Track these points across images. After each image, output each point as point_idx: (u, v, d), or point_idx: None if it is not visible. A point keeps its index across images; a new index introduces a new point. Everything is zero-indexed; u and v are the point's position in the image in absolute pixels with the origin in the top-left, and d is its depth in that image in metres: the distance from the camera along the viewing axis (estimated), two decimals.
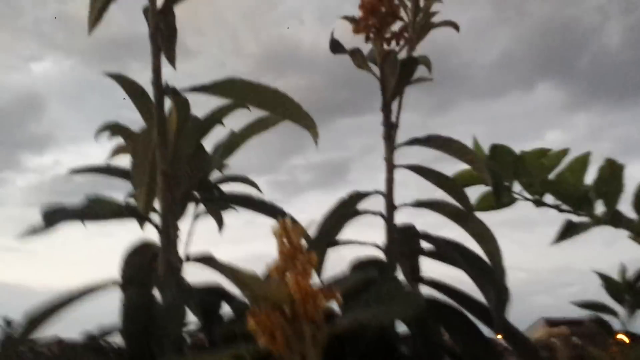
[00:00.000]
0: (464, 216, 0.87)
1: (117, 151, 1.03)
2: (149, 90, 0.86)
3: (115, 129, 0.99)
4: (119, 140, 1.03)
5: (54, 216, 0.78)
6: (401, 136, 0.94)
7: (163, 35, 0.84)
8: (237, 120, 1.06)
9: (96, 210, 0.84)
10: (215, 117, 1.00)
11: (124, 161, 1.07)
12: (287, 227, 0.59)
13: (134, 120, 0.97)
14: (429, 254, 0.87)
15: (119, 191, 1.03)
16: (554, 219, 1.07)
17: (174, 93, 0.84)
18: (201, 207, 1.00)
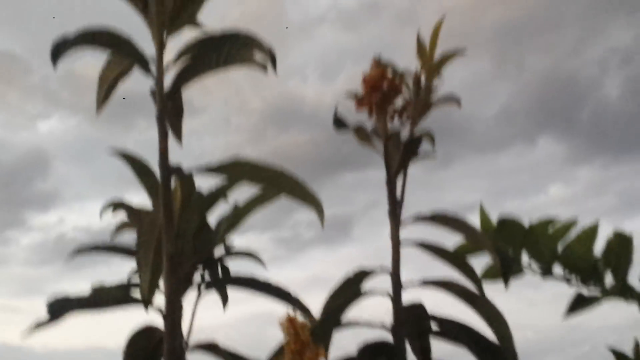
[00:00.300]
0: (473, 296, 0.85)
1: (121, 227, 1.02)
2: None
3: (119, 206, 0.99)
4: (135, 189, 1.03)
5: (59, 308, 0.77)
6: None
7: (170, 115, 0.85)
8: (240, 193, 1.06)
9: (101, 298, 0.83)
10: (219, 193, 1.00)
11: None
12: (295, 323, 0.59)
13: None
14: (439, 336, 0.86)
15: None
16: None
17: (181, 175, 0.84)
18: (205, 282, 0.99)
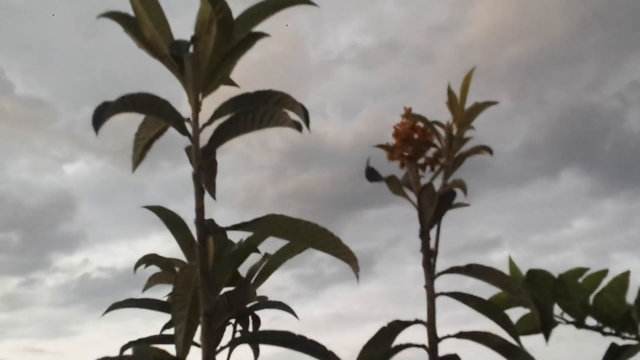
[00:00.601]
0: (511, 349, 0.85)
1: (154, 281, 1.03)
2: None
3: (153, 259, 1.00)
4: (159, 229, 1.04)
5: None
6: None
7: (205, 172, 0.86)
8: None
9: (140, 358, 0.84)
10: (251, 246, 1.01)
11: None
12: None
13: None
14: None
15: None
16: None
17: (216, 231, 0.85)
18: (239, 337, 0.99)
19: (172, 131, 0.89)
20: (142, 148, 0.88)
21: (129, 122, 0.89)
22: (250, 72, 0.87)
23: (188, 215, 1.01)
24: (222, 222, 0.95)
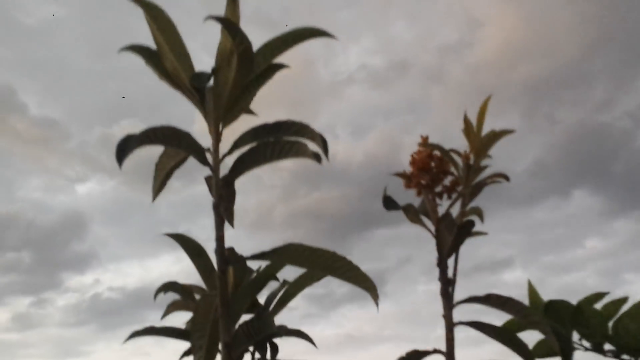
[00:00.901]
0: None
1: (173, 308, 1.04)
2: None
3: (172, 287, 1.00)
4: (170, 249, 1.04)
5: None
6: None
7: (224, 201, 0.87)
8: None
9: None
10: (270, 274, 1.01)
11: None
12: None
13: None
14: None
15: (156, 310, 1.04)
16: None
17: (237, 261, 0.85)
18: None
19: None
20: (162, 177, 0.89)
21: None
22: (262, 93, 0.88)
23: (199, 234, 1.02)
24: (233, 243, 0.96)
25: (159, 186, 0.89)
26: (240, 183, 0.89)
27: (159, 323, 1.05)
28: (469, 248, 1.00)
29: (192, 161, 0.87)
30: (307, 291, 1.05)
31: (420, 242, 1.00)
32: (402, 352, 0.92)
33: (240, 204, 0.91)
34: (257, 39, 0.84)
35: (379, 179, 1.03)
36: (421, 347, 0.92)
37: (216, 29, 0.83)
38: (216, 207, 0.84)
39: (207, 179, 0.88)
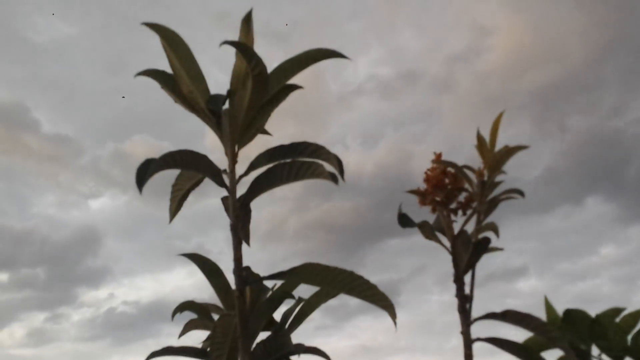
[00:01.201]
0: None
1: (190, 327, 1.04)
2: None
3: (190, 307, 1.01)
4: (183, 263, 1.05)
5: None
6: None
7: (241, 222, 0.87)
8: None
9: None
10: (287, 293, 1.02)
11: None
12: None
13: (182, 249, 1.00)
14: None
15: (170, 324, 1.05)
16: None
17: (254, 281, 0.86)
18: None
19: None
20: (179, 199, 0.90)
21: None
22: None
23: (212, 248, 1.02)
24: (246, 254, 0.96)
25: (175, 207, 0.90)
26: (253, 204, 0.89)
27: (175, 341, 1.06)
28: (482, 257, 1.01)
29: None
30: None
31: (433, 252, 1.00)
32: None
33: (253, 216, 0.92)
34: (268, 53, 0.85)
35: (390, 189, 1.04)
36: (436, 358, 0.92)
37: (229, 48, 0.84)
38: (234, 228, 0.84)
39: (224, 200, 0.88)
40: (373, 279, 0.86)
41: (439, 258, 0.99)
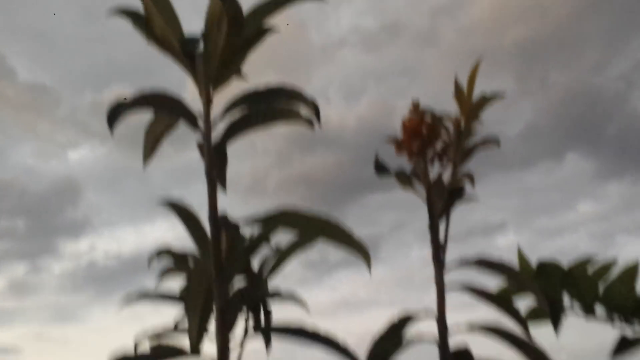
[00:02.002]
0: (522, 341, 0.86)
1: (166, 274, 1.04)
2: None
3: (165, 254, 1.00)
4: (165, 214, 1.04)
5: None
6: None
7: (217, 168, 0.87)
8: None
9: (156, 354, 0.85)
10: (263, 238, 1.01)
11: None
12: None
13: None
14: None
15: (153, 276, 1.04)
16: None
17: (230, 227, 0.85)
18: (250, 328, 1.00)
19: None
20: (152, 143, 0.88)
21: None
22: (253, 57, 0.87)
23: (193, 200, 1.02)
24: (227, 209, 0.96)
25: (149, 152, 0.89)
26: (233, 149, 0.88)
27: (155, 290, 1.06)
28: (461, 213, 1.01)
29: (185, 127, 0.86)
30: (302, 257, 1.06)
31: (414, 207, 1.00)
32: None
33: (234, 170, 0.91)
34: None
35: (372, 144, 1.03)
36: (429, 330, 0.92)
37: None
38: (209, 173, 0.84)
39: (199, 145, 0.87)
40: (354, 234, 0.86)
41: (419, 213, 0.99)
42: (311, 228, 0.86)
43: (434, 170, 0.98)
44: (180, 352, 0.86)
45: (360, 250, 0.84)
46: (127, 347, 0.95)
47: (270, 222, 0.85)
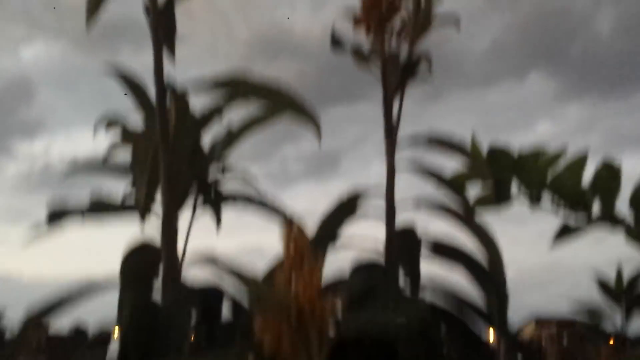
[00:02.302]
0: (467, 220, 0.86)
1: (115, 146, 1.01)
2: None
3: (112, 122, 0.98)
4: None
5: (58, 215, 0.77)
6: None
7: (164, 32, 0.83)
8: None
9: (98, 208, 0.83)
10: (214, 112, 0.99)
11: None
12: (294, 233, 0.59)
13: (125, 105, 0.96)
14: (429, 258, 0.87)
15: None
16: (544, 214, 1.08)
17: (175, 92, 0.83)
18: (199, 203, 0.99)
19: (134, 16, 0.84)
20: (95, 3, 0.84)
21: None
22: None
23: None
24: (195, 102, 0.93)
25: (92, 12, 0.84)
26: (194, 53, 0.85)
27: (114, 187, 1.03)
28: (422, 128, 0.99)
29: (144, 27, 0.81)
30: (261, 169, 1.03)
31: (376, 121, 0.98)
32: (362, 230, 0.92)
33: (196, 75, 0.88)
34: None
35: (338, 57, 1.00)
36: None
37: None
38: (154, 31, 0.80)
39: (146, 10, 0.83)
40: (316, 146, 0.84)
41: (382, 128, 0.97)
42: (262, 95, 0.84)
43: (391, 48, 0.96)
44: (125, 208, 0.84)
45: (310, 120, 0.83)
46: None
47: (218, 87, 0.83)
